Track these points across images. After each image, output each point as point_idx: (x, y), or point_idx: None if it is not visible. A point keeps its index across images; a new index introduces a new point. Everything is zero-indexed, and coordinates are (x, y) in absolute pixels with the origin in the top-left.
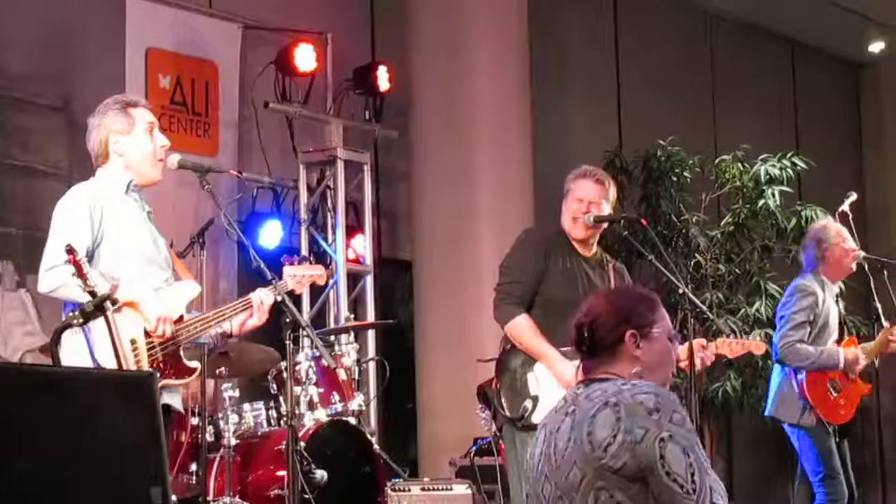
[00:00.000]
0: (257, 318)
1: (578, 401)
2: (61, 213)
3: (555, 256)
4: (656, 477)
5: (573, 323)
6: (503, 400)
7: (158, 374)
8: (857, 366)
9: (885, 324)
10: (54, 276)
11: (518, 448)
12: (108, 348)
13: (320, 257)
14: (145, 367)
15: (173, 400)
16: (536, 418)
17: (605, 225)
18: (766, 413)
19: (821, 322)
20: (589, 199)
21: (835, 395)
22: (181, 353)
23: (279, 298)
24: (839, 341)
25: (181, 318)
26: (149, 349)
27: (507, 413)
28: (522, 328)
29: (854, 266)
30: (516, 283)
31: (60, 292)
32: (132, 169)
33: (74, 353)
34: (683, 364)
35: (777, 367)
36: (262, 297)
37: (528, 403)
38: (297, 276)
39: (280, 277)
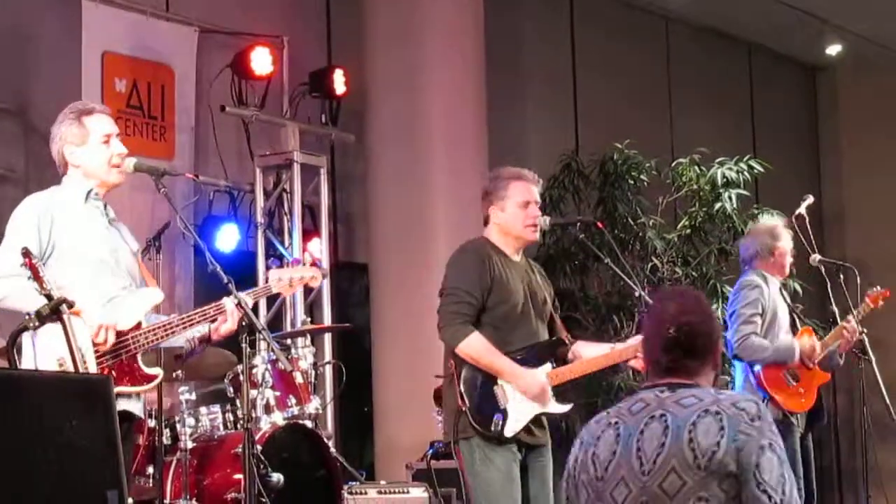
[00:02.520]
0: (231, 323)
1: (667, 405)
2: (10, 223)
3: (495, 270)
4: (748, 484)
5: (668, 327)
6: (474, 419)
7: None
8: (814, 355)
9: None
10: (2, 286)
11: (497, 462)
12: (52, 355)
13: (277, 261)
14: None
15: (132, 406)
16: (509, 431)
17: None
18: None
19: (770, 313)
20: (535, 201)
21: (794, 383)
22: (139, 360)
23: (238, 300)
24: (794, 332)
25: (139, 325)
26: (98, 357)
27: (485, 431)
28: (478, 346)
29: (788, 269)
30: (464, 303)
31: (7, 302)
32: (91, 177)
33: (23, 357)
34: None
35: (737, 367)
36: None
37: (499, 417)
38: (284, 278)
39: (233, 282)
